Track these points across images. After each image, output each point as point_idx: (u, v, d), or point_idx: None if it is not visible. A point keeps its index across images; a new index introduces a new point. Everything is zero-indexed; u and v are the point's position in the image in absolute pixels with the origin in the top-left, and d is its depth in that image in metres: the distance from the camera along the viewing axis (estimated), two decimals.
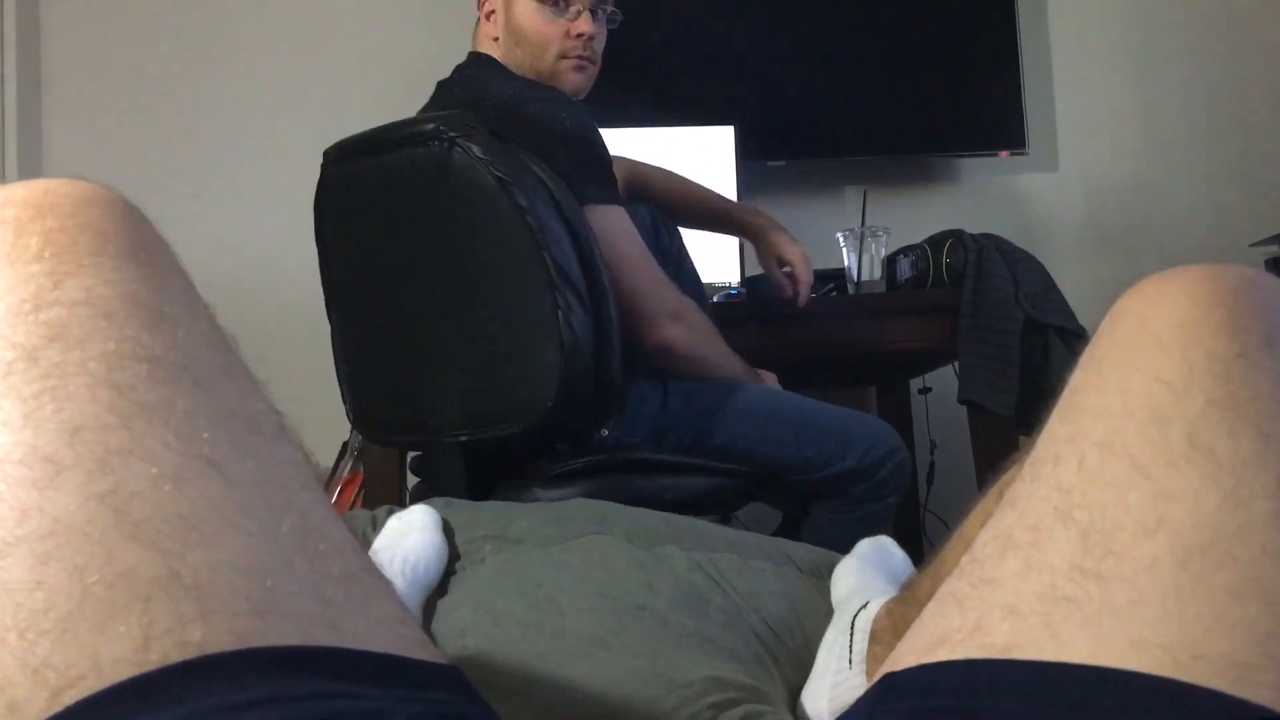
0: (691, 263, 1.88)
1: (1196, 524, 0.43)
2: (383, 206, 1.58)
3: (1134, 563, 0.43)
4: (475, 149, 1.43)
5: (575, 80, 1.68)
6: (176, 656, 0.39)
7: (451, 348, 1.55)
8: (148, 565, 0.40)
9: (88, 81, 2.72)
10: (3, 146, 2.61)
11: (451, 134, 1.44)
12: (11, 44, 2.62)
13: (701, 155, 2.46)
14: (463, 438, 1.52)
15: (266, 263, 2.67)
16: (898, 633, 0.85)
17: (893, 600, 0.92)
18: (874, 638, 0.90)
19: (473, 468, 1.54)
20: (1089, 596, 0.43)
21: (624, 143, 2.40)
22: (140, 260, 0.50)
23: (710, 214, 1.96)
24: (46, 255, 0.48)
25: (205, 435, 0.45)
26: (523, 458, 1.56)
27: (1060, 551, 0.45)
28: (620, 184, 1.96)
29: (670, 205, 1.91)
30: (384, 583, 0.51)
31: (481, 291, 1.50)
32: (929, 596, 0.77)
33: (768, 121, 2.65)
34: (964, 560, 0.51)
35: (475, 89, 1.63)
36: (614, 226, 1.57)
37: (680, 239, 1.88)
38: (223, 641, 0.40)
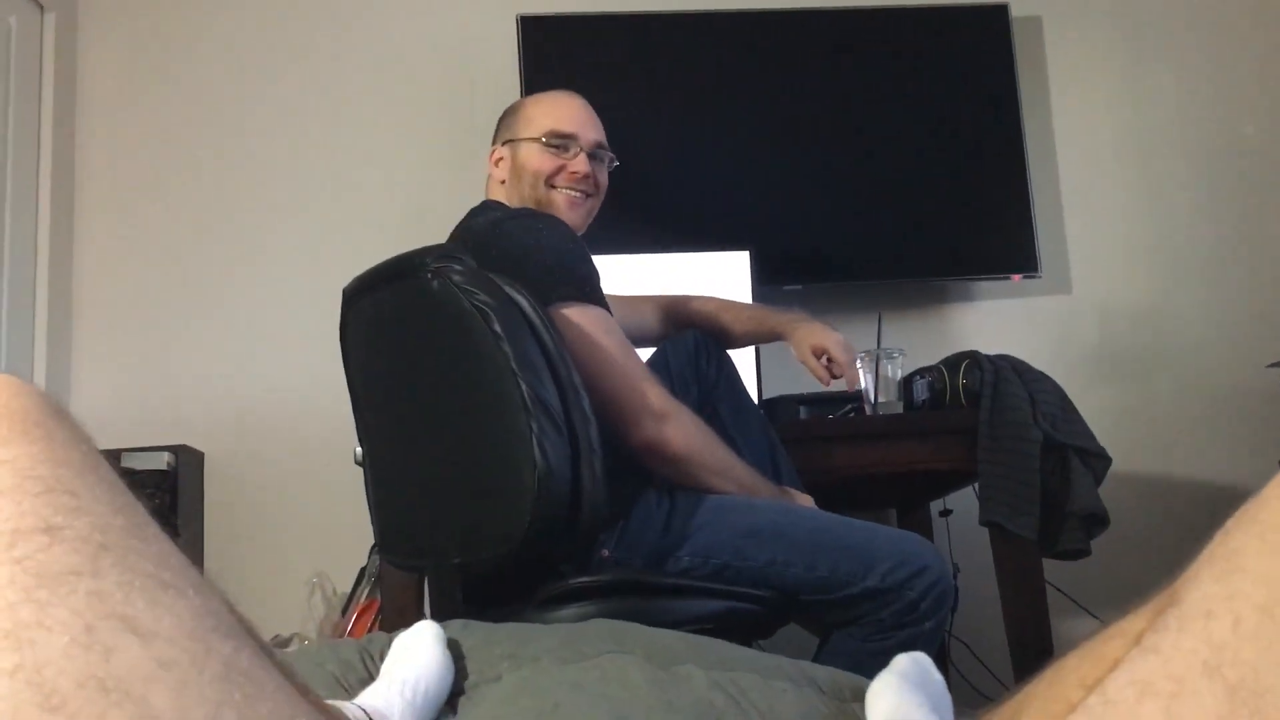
0: (741, 387, 1.87)
1: None
2: (387, 338, 1.64)
3: None
4: (455, 277, 1.47)
5: (570, 210, 1.75)
6: None
7: (444, 473, 1.57)
8: None
9: (119, 218, 2.80)
10: (35, 282, 2.67)
11: (435, 264, 1.49)
12: (45, 205, 2.71)
13: (718, 280, 2.50)
14: (457, 561, 1.53)
15: (302, 394, 2.72)
16: None
17: None
18: None
19: (472, 591, 1.53)
20: None
21: (641, 268, 2.45)
22: (35, 437, 0.52)
23: (748, 323, 1.98)
24: None
25: (117, 596, 0.46)
26: (518, 580, 1.55)
27: (1204, 706, 0.44)
28: (659, 317, 1.99)
29: (707, 324, 1.94)
30: (322, 715, 0.50)
31: (466, 417, 1.53)
32: None
33: (783, 247, 2.70)
34: (1093, 701, 0.50)
35: (466, 222, 1.72)
36: (591, 325, 1.58)
37: (728, 366, 1.86)
38: None
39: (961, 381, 2.08)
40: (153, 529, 0.52)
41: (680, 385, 1.69)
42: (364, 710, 0.92)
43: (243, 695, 0.46)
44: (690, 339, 1.84)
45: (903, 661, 1.12)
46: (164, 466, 2.40)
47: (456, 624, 1.19)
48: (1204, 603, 0.49)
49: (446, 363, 1.54)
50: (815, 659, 1.54)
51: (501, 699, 0.97)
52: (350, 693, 1.09)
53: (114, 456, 2.34)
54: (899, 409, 2.15)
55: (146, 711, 0.42)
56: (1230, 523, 0.54)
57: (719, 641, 1.16)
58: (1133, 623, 0.63)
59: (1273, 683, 0.44)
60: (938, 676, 1.12)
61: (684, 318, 1.99)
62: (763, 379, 2.53)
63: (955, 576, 2.48)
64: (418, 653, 1.07)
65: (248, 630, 0.52)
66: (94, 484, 0.52)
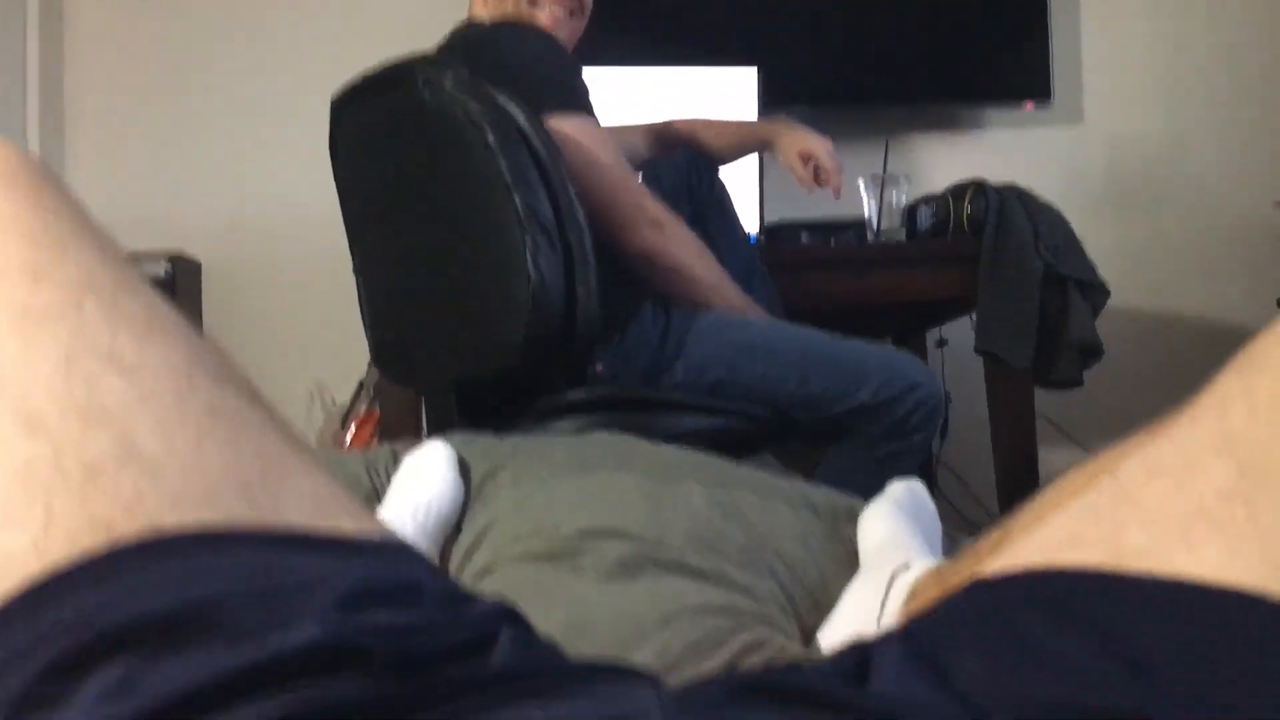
0: (731, 210, 1.86)
1: None
2: (378, 148, 1.60)
3: None
4: (448, 86, 1.43)
5: (554, 28, 1.68)
6: (88, 541, 0.40)
7: (438, 288, 1.57)
8: (46, 457, 0.42)
9: (112, 24, 2.71)
10: (25, 91, 2.60)
11: (427, 73, 1.45)
12: (35, 10, 2.60)
13: (721, 97, 2.44)
14: (452, 376, 1.54)
15: (298, 204, 2.69)
16: (943, 588, 0.84)
17: (946, 562, 0.90)
18: (913, 595, 0.88)
19: (466, 406, 1.55)
20: (1233, 518, 0.43)
21: (639, 82, 2.38)
22: (24, 191, 0.52)
23: (733, 136, 1.95)
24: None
25: (103, 333, 0.46)
26: (514, 395, 1.57)
27: (1212, 480, 0.45)
28: (647, 142, 1.95)
29: (696, 140, 1.91)
30: (309, 457, 0.51)
31: (460, 232, 1.51)
32: (995, 546, 0.76)
33: (792, 65, 2.62)
34: (1103, 482, 0.51)
35: (451, 37, 1.66)
36: (586, 135, 1.55)
37: (719, 186, 1.85)
38: (132, 527, 0.41)
39: (966, 210, 2.06)
40: (142, 282, 0.52)
41: (673, 202, 1.67)
42: None
43: (228, 431, 0.46)
44: (683, 157, 1.81)
45: (898, 489, 1.14)
46: (160, 275, 2.39)
47: (458, 438, 1.21)
48: (1219, 394, 0.50)
49: (438, 175, 1.52)
50: (814, 474, 1.58)
51: (503, 513, 0.99)
52: None
53: None
54: (901, 236, 2.13)
55: (127, 439, 0.43)
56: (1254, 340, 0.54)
57: (719, 460, 1.17)
58: (1136, 440, 0.64)
59: None
60: (930, 505, 1.15)
61: (672, 139, 1.94)
62: (765, 204, 2.50)
63: (947, 405, 2.53)
64: (429, 475, 1.07)
65: (244, 381, 0.53)
66: (81, 236, 0.52)
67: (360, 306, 1.73)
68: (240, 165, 2.70)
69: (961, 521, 2.37)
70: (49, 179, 0.55)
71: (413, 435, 1.96)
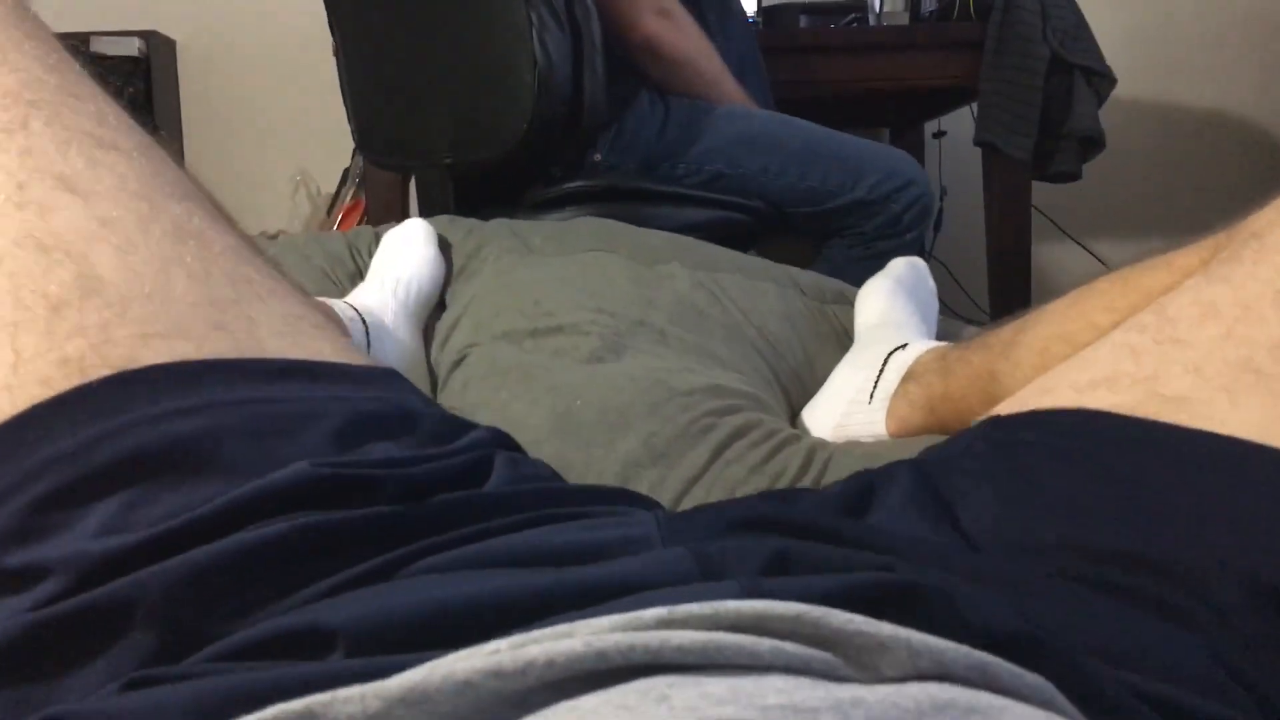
0: None
1: None
2: None
3: None
4: None
5: None
6: (60, 382, 0.39)
7: (436, 69, 1.50)
8: (5, 291, 0.40)
9: None
10: None
11: None
12: None
13: None
14: (447, 161, 1.50)
15: None
16: (948, 374, 0.83)
17: (949, 347, 0.88)
18: (910, 376, 0.87)
19: (461, 192, 1.52)
20: None
21: None
22: None
23: None
24: None
25: (51, 153, 0.43)
26: (511, 182, 1.54)
27: (1269, 331, 0.44)
28: None
29: None
30: (283, 280, 0.49)
31: (461, 10, 1.44)
32: (1008, 345, 0.75)
33: None
34: (1147, 319, 0.50)
35: None
36: None
37: None
38: (102, 362, 0.39)
39: None
40: (90, 87, 0.49)
41: None
42: (355, 309, 0.92)
43: (194, 256, 0.45)
44: None
45: (899, 265, 1.12)
46: (135, 53, 2.30)
47: (443, 219, 1.18)
48: None
49: None
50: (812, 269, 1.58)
51: (485, 289, 0.98)
52: (339, 288, 1.10)
53: (81, 40, 2.23)
54: (904, 20, 2.05)
55: (88, 270, 0.41)
56: None
57: (706, 244, 1.16)
58: (1182, 258, 0.61)
59: None
60: (931, 284, 1.13)
61: None
62: None
63: (942, 199, 2.50)
64: (409, 252, 1.05)
65: (207, 196, 0.50)
66: (21, 40, 0.48)
67: (342, 89, 1.67)
68: None
69: (954, 318, 2.38)
70: None
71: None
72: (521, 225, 1.12)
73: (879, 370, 0.89)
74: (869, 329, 1.00)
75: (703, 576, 0.35)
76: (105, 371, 0.39)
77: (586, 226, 1.13)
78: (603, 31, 1.46)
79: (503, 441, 0.50)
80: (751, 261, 1.13)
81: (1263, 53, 2.68)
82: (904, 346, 0.91)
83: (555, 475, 0.51)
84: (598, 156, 1.54)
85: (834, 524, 0.43)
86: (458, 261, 1.06)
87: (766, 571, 0.36)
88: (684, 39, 1.56)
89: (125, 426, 0.39)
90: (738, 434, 0.80)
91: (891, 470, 0.49)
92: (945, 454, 0.50)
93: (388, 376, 0.49)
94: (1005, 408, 0.52)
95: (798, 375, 0.98)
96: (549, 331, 0.88)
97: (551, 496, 0.45)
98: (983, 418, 0.52)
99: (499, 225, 1.13)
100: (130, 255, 0.42)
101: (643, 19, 1.52)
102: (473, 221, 1.15)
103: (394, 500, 0.40)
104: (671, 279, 0.98)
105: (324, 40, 1.68)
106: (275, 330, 0.45)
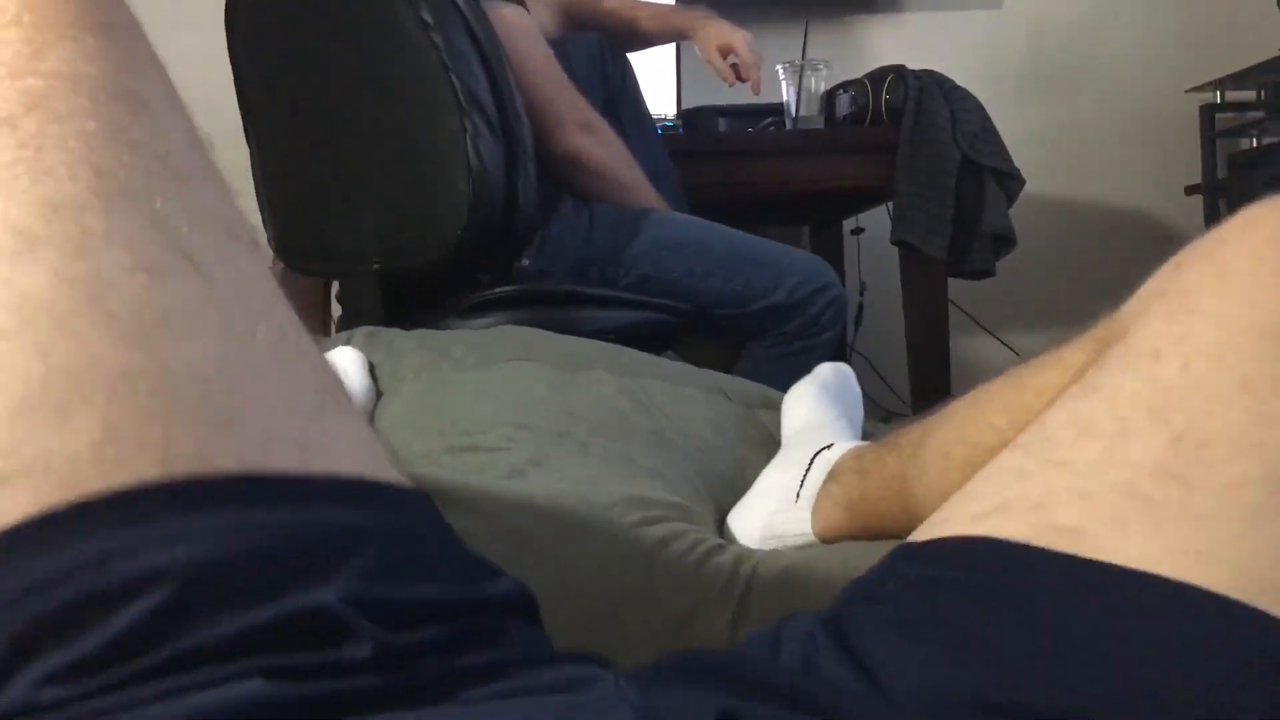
0: (640, 97, 1.82)
1: None
2: (292, 24, 1.50)
3: (1223, 477, 0.42)
4: None
5: None
6: (134, 458, 0.36)
7: (364, 174, 1.50)
8: (115, 357, 0.37)
9: None
10: None
11: None
12: None
13: None
14: (376, 266, 1.49)
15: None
16: (865, 475, 0.84)
17: (867, 447, 0.90)
18: (833, 476, 0.88)
19: (389, 298, 1.51)
20: (1168, 499, 0.42)
21: None
22: (121, 40, 0.46)
23: (651, 20, 1.90)
24: (25, 21, 0.43)
25: (184, 230, 0.41)
26: (440, 287, 1.53)
27: (1148, 449, 0.43)
28: (554, 16, 1.88)
29: (609, 21, 1.85)
30: (351, 400, 0.48)
31: (391, 115, 1.45)
32: (917, 448, 0.76)
33: None
34: (1028, 438, 0.49)
35: None
36: (516, 26, 1.50)
37: (629, 71, 1.81)
38: (184, 449, 0.37)
39: (885, 97, 2.03)
40: (217, 173, 0.47)
41: (586, 88, 1.62)
42: None
43: (289, 360, 0.43)
44: (594, 40, 1.75)
45: (825, 370, 1.13)
46: None
47: (361, 334, 1.17)
48: (1152, 341, 0.48)
49: (365, 53, 1.43)
50: (731, 371, 1.59)
51: (404, 412, 0.96)
52: None
53: None
54: (820, 123, 2.11)
55: (194, 356, 0.39)
56: (1182, 256, 0.52)
57: (631, 350, 1.16)
58: (1070, 354, 0.62)
59: (1217, 432, 0.43)
60: (856, 388, 1.15)
61: (582, 17, 1.88)
62: (682, 89, 2.45)
63: (863, 294, 2.54)
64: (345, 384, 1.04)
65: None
66: (171, 110, 0.47)
67: (256, 193, 1.65)
68: None
69: (874, 407, 2.41)
70: (125, 9, 0.49)
71: (321, 330, 1.91)
72: (441, 337, 1.11)
73: (805, 470, 0.90)
74: (796, 433, 1.01)
75: None
76: (177, 475, 0.37)
77: (508, 336, 1.12)
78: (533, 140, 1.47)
79: (526, 603, 0.48)
80: (677, 367, 1.13)
81: (1158, 151, 2.80)
82: (830, 446, 0.92)
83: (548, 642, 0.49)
84: (525, 262, 1.55)
85: (786, 679, 0.42)
86: (380, 379, 1.05)
87: None
88: (607, 152, 1.59)
89: (172, 534, 0.36)
90: (663, 545, 0.79)
91: (808, 621, 0.48)
92: (861, 595, 0.50)
93: (423, 503, 0.47)
94: (916, 534, 0.51)
95: (726, 481, 0.98)
96: (467, 449, 0.87)
97: (527, 663, 0.43)
98: (895, 546, 0.52)
99: (418, 339, 1.12)
100: (235, 348, 0.41)
101: (567, 134, 1.54)
102: (392, 334, 1.14)
103: (390, 658, 0.38)
104: (595, 386, 0.97)
105: (236, 136, 1.65)
106: (344, 445, 0.43)
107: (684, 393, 1.05)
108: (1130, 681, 0.38)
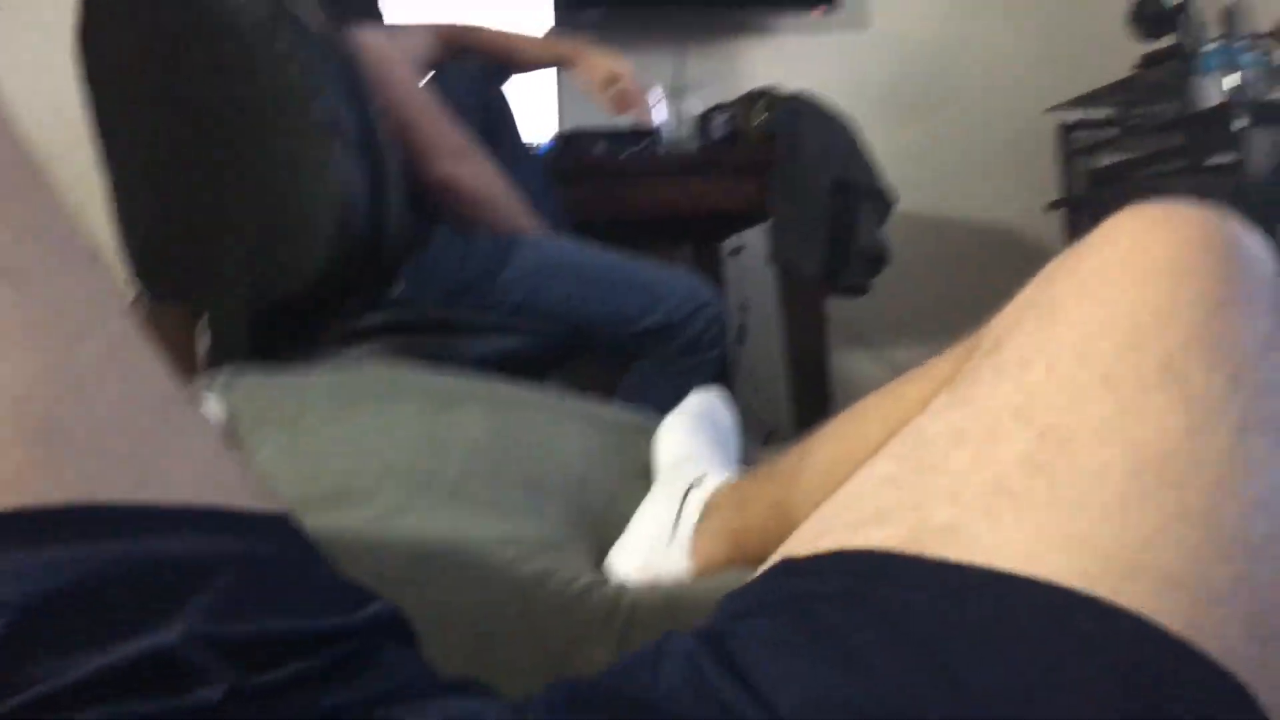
0: (517, 126, 1.81)
1: (1156, 442, 0.43)
2: (148, 52, 1.45)
3: (1086, 465, 0.43)
4: None
5: None
6: None
7: (225, 202, 1.46)
8: None
9: None
10: None
11: None
12: None
13: (516, 5, 2.35)
14: (241, 297, 1.45)
15: (34, 107, 2.44)
16: (744, 506, 0.84)
17: (744, 478, 0.90)
18: (709, 511, 0.87)
19: (256, 328, 1.47)
20: (1034, 491, 0.43)
21: None
22: None
23: (533, 48, 1.89)
24: None
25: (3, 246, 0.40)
26: (310, 316, 1.50)
27: (1014, 447, 0.45)
28: (432, 44, 1.86)
29: (489, 53, 1.83)
30: (203, 418, 0.46)
31: (250, 142, 1.41)
32: (796, 472, 0.76)
33: None
34: (901, 448, 0.51)
35: None
36: (382, 51, 1.49)
37: (507, 99, 1.80)
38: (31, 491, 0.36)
39: (760, 118, 2.06)
40: (48, 190, 0.45)
41: (465, 114, 1.61)
42: None
43: (124, 377, 0.42)
44: (474, 67, 1.74)
45: (694, 401, 1.13)
46: None
47: (223, 380, 1.13)
48: (1021, 350, 0.49)
49: (225, 81, 1.39)
50: (617, 393, 1.59)
51: (272, 457, 0.93)
52: None
53: None
54: (693, 146, 2.13)
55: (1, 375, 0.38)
56: (1051, 268, 0.54)
57: (504, 384, 1.14)
58: (937, 366, 0.64)
59: (1080, 425, 0.44)
60: (728, 415, 1.15)
61: (461, 45, 1.86)
62: (564, 111, 2.44)
63: (744, 313, 2.57)
64: None
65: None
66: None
67: (114, 223, 1.59)
68: None
69: (757, 423, 2.43)
70: None
71: (187, 364, 1.84)
72: (301, 386, 1.07)
73: (678, 508, 0.89)
74: (668, 467, 1.00)
75: None
76: (9, 506, 0.36)
77: (374, 375, 1.09)
78: (401, 166, 1.45)
79: (399, 626, 0.47)
80: (553, 400, 1.12)
81: (1021, 168, 2.90)
82: (701, 480, 0.92)
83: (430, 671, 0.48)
84: (397, 290, 1.52)
85: (672, 705, 0.42)
86: (243, 435, 1.01)
87: None
88: (480, 179, 1.57)
89: (14, 569, 0.36)
90: (538, 581, 0.78)
91: (686, 639, 0.48)
92: (742, 611, 0.49)
93: (281, 527, 0.46)
94: (794, 547, 0.51)
95: (602, 516, 0.97)
96: (332, 499, 0.84)
97: (412, 693, 0.43)
98: (775, 559, 0.52)
99: (279, 388, 1.08)
100: (53, 366, 0.39)
101: (440, 162, 1.53)
102: (254, 384, 1.10)
103: (245, 693, 0.37)
104: (465, 424, 0.95)
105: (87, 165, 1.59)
106: (189, 466, 0.42)
107: (559, 426, 1.04)
108: (1003, 691, 0.38)
